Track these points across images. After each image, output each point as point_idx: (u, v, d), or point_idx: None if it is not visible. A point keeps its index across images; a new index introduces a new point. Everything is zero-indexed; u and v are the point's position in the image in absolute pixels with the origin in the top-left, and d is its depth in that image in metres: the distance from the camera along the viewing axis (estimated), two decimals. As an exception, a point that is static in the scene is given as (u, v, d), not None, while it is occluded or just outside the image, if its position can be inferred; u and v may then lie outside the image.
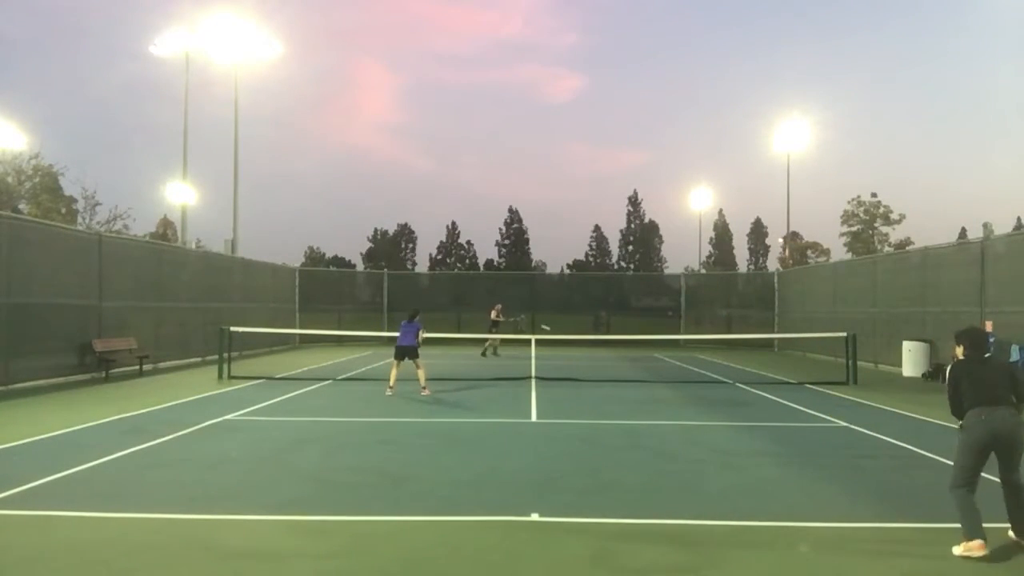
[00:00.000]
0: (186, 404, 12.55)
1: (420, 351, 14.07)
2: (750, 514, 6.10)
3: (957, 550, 5.25)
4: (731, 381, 17.50)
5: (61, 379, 15.37)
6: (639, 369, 20.90)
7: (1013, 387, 5.44)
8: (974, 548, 5.17)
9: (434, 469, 7.85)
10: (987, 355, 5.68)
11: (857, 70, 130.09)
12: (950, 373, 5.70)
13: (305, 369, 19.48)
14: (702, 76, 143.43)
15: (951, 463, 8.09)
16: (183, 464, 7.96)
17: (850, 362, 16.55)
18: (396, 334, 14.44)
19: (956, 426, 5.73)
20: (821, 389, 15.55)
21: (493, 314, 24.81)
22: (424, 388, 13.73)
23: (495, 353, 24.24)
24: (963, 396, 5.50)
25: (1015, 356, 15.19)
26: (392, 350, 14.50)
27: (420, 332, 14.08)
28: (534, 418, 11.46)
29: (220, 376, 16.32)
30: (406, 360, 13.86)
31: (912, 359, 18.66)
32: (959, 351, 5.76)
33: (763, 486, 7.28)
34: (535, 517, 5.98)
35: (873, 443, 9.57)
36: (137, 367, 17.72)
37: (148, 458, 8.23)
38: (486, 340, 24.20)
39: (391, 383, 13.81)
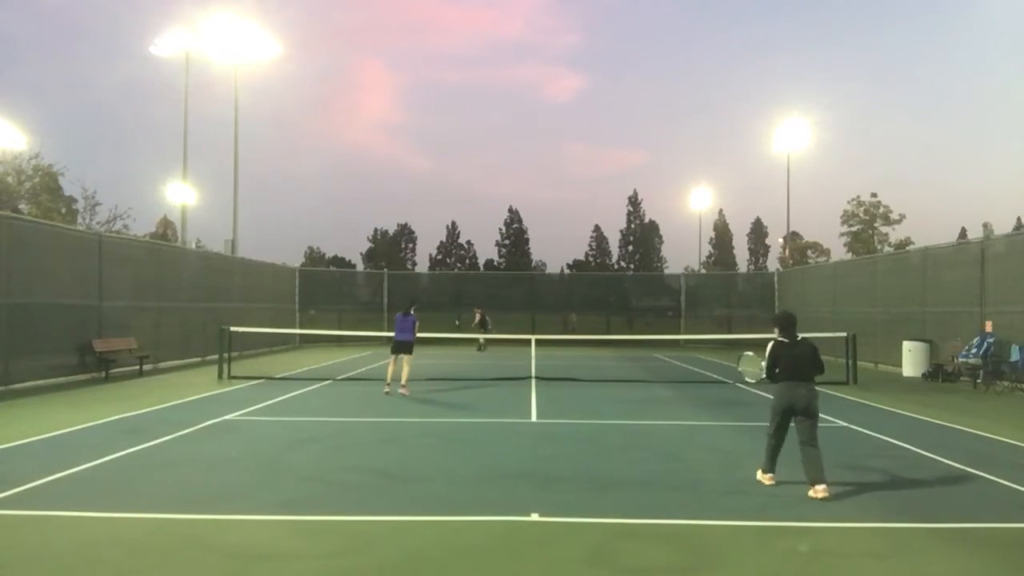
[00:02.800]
0: (186, 404, 12.55)
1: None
2: (750, 514, 6.10)
3: (758, 475, 7.19)
4: (731, 381, 17.48)
5: (61, 379, 15.38)
6: (639, 369, 20.90)
7: (815, 364, 7.06)
8: (766, 479, 7.12)
9: (434, 469, 7.85)
10: (798, 337, 7.15)
11: (857, 71, 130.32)
12: (771, 350, 7.12)
13: (305, 369, 19.48)
14: (702, 76, 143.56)
15: (951, 463, 8.18)
16: (183, 464, 7.96)
17: (850, 362, 16.54)
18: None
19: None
20: (821, 389, 15.37)
21: (478, 317, 28.07)
22: (403, 387, 13.70)
23: (481, 348, 27.52)
24: (780, 371, 7.03)
25: (1015, 356, 15.18)
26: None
27: (416, 326, 14.11)
28: (534, 418, 11.45)
29: (220, 376, 16.32)
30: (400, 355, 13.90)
31: (912, 359, 18.66)
32: (776, 332, 7.22)
33: (763, 486, 7.27)
34: (535, 517, 5.98)
35: (873, 443, 9.57)
36: (137, 367, 17.72)
37: (148, 458, 8.23)
38: (480, 338, 27.17)
39: (388, 380, 13.85)
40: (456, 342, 28.61)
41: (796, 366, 6.98)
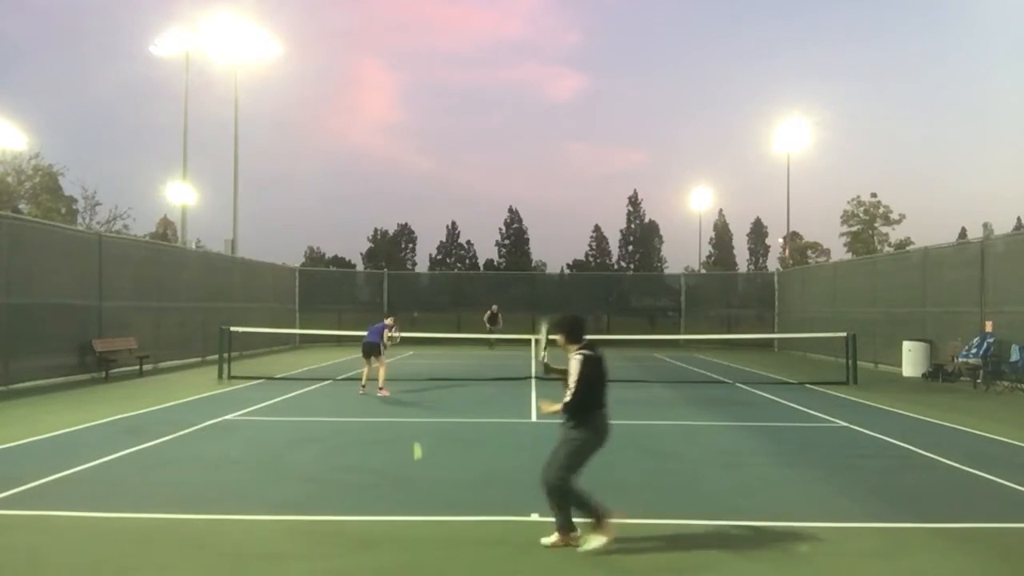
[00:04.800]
0: (186, 404, 12.55)
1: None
2: (750, 514, 6.09)
3: (596, 543, 5.12)
4: (731, 381, 17.50)
5: (61, 379, 15.37)
6: (639, 369, 20.89)
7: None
8: (617, 518, 5.24)
9: (434, 469, 7.85)
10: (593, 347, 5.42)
11: (857, 70, 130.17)
12: (586, 367, 5.23)
13: (305, 369, 19.48)
14: (702, 76, 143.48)
15: (951, 463, 8.16)
16: (183, 464, 7.96)
17: (850, 362, 16.54)
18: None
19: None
20: (821, 389, 15.55)
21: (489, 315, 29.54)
22: (381, 388, 13.76)
23: (491, 346, 28.24)
24: (592, 397, 5.27)
25: (1015, 356, 15.19)
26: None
27: (386, 332, 14.19)
28: (534, 418, 11.43)
29: (220, 376, 16.31)
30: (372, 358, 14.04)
31: (912, 359, 18.66)
32: (561, 340, 5.44)
33: (763, 486, 7.27)
34: (535, 517, 5.98)
35: (873, 443, 9.57)
36: (137, 367, 17.71)
37: (148, 458, 8.23)
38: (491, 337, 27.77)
39: (363, 382, 14.00)
40: (455, 342, 28.64)
41: (603, 386, 5.34)
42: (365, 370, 14.11)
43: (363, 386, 13.96)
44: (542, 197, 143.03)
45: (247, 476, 7.52)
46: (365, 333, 14.43)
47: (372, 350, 13.98)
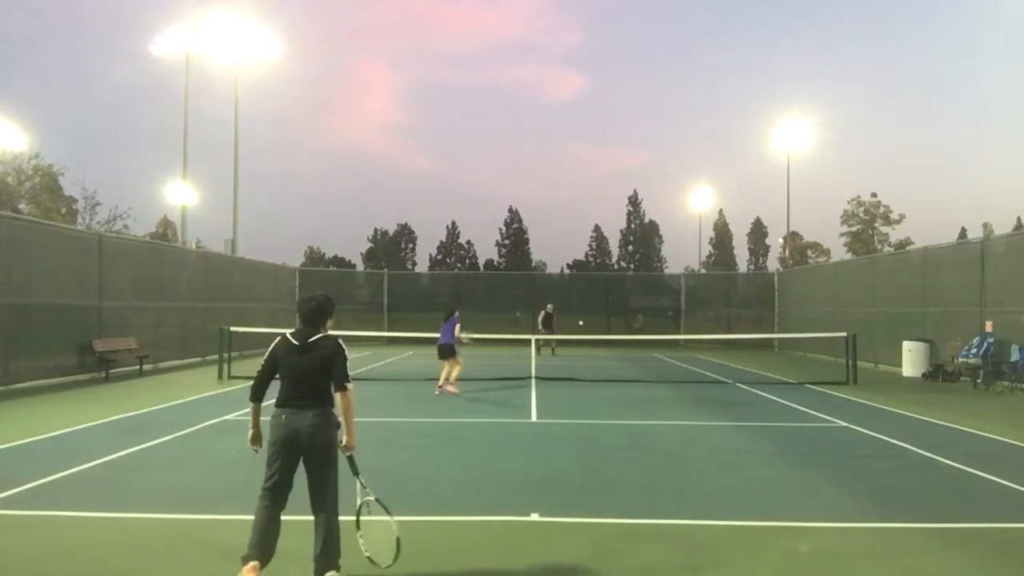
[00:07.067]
0: (186, 404, 12.55)
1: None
2: (750, 514, 6.09)
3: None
4: (731, 381, 17.49)
5: (61, 379, 15.37)
6: (639, 369, 20.90)
7: (323, 378, 4.54)
8: (243, 572, 4.51)
9: (434, 469, 7.85)
10: (321, 334, 4.60)
11: (857, 70, 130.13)
12: (269, 352, 4.64)
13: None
14: (703, 76, 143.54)
15: (951, 463, 8.16)
16: (183, 464, 7.96)
17: (850, 362, 16.55)
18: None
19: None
20: (821, 389, 15.55)
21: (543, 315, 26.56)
22: (446, 384, 13.82)
23: (552, 352, 25.93)
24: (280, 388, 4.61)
25: (1015, 356, 15.19)
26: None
27: (457, 327, 14.37)
28: (534, 418, 11.46)
29: (220, 376, 16.31)
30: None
31: (912, 359, 18.66)
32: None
33: (763, 486, 7.27)
34: (535, 517, 5.98)
35: (873, 443, 9.57)
36: (137, 367, 17.72)
37: (148, 458, 8.23)
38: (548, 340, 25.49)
39: (439, 383, 14.09)
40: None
41: (295, 383, 4.55)
42: (443, 372, 14.16)
43: (439, 387, 14.01)
44: (542, 197, 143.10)
45: (247, 476, 7.48)
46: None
47: (447, 352, 14.08)
